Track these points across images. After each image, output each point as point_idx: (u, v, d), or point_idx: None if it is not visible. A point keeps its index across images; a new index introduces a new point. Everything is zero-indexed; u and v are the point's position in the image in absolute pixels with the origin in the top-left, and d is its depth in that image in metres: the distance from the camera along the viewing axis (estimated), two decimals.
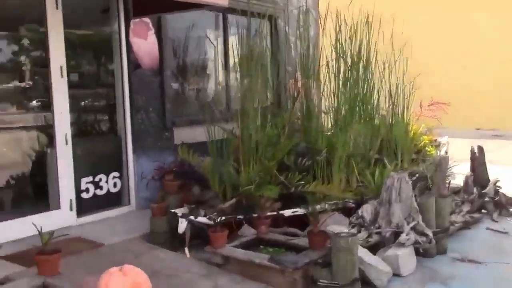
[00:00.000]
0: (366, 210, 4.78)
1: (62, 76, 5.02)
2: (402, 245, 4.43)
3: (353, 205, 5.36)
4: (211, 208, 4.64)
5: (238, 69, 5.62)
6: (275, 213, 4.86)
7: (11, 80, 5.39)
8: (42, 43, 4.96)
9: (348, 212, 5.39)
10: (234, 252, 4.18)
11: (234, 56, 5.45)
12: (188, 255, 4.51)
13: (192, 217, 4.53)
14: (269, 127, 5.25)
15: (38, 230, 3.74)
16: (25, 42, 4.98)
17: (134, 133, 5.76)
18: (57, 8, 4.95)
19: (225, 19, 7.00)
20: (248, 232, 4.68)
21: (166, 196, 4.97)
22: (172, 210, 4.70)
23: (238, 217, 4.69)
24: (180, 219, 4.53)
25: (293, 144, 5.27)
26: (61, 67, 5.01)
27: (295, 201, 5.12)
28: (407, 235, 4.49)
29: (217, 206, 4.63)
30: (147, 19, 5.87)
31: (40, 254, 3.68)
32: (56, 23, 4.95)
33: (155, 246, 4.63)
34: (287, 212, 4.97)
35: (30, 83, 5.48)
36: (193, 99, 6.77)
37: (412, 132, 6.60)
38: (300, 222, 4.99)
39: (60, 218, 5.05)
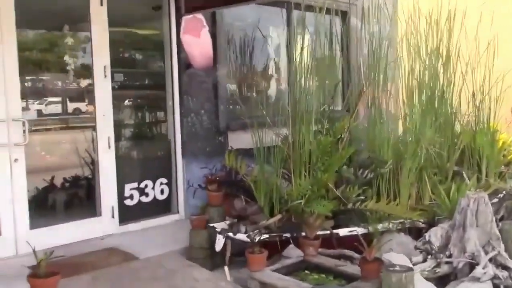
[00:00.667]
0: (435, 234, 4.05)
1: (105, 76, 4.76)
2: (477, 279, 3.66)
3: (423, 225, 4.64)
4: (253, 224, 4.15)
5: (302, 70, 5.07)
6: (327, 232, 4.27)
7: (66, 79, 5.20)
8: (85, 41, 4.73)
9: (417, 233, 4.69)
10: (271, 278, 3.65)
11: (298, 56, 4.90)
12: (228, 276, 4.05)
13: (230, 234, 4.06)
14: (324, 133, 4.66)
15: (32, 248, 3.34)
16: (69, 41, 4.76)
17: (183, 137, 5.40)
18: (101, 4, 4.70)
19: (288, 16, 6.46)
20: (293, 253, 4.13)
21: (208, 208, 4.54)
22: (212, 224, 4.26)
23: (284, 235, 4.15)
24: (218, 235, 4.08)
25: (353, 154, 4.64)
26: (104, 67, 4.74)
27: (354, 219, 4.50)
28: (484, 267, 3.71)
29: (260, 222, 4.12)
30: (200, 16, 5.49)
31: (35, 277, 3.23)
32: (100, 20, 4.70)
33: (192, 263, 4.21)
34: (342, 231, 4.36)
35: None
36: (250, 101, 6.30)
37: (501, 141, 5.69)
38: (359, 243, 4.36)
39: (101, 226, 4.80)
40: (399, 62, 5.45)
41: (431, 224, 4.64)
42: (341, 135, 4.77)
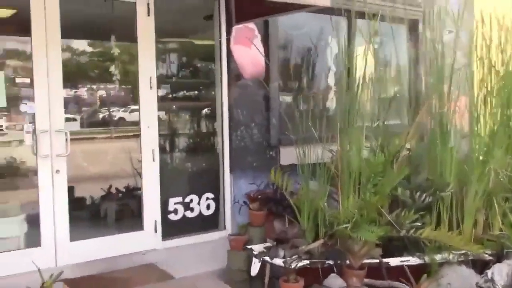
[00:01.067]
0: (500, 272, 3.55)
1: (151, 87, 4.66)
2: None
3: (490, 258, 4.11)
4: (293, 248, 3.84)
5: (359, 82, 4.70)
6: (376, 261, 3.87)
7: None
8: (132, 52, 4.67)
9: (483, 266, 4.17)
10: None
11: (357, 67, 4.56)
12: None
13: (267, 258, 3.78)
14: (378, 150, 4.26)
15: (37, 267, 3.23)
16: (116, 51, 4.71)
17: (232, 151, 5.20)
18: (148, 14, 4.61)
19: (349, 25, 6.09)
20: (335, 283, 3.77)
21: (249, 227, 4.28)
22: (249, 246, 4.00)
23: (327, 262, 3.81)
24: (253, 259, 3.81)
25: (410, 174, 4.20)
26: (150, 78, 4.65)
27: (407, 247, 4.07)
28: None
29: (301, 246, 3.81)
30: (252, 25, 5.28)
31: None
32: (146, 30, 4.61)
33: (228, 287, 3.97)
34: (394, 261, 3.94)
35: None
36: (305, 114, 6.00)
37: None
38: (413, 274, 3.92)
39: (143, 240, 4.68)
40: (470, 73, 4.92)
41: (500, 256, 4.11)
42: (397, 153, 4.34)
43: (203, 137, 5.44)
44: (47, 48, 4.12)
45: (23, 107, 4.06)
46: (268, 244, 4.01)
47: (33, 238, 4.24)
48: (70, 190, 4.32)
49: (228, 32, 5.15)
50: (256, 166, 5.30)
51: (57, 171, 4.20)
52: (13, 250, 4.18)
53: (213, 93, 5.21)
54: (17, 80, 4.03)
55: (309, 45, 5.89)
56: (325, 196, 4.08)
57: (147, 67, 4.64)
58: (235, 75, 5.21)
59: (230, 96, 5.19)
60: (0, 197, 4.47)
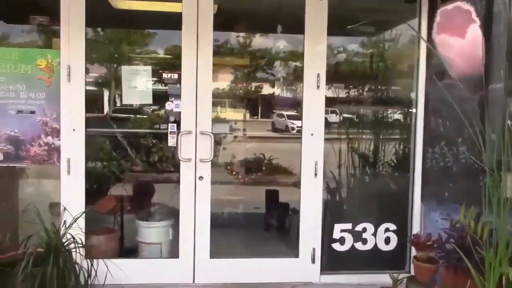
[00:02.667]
0: None
1: (318, 87, 3.84)
2: None
3: None
4: None
5: None
6: None
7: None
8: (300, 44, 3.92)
9: None
10: None
11: None
12: None
13: None
14: None
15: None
16: (281, 44, 4.04)
17: (426, 173, 3.96)
18: None
19: None
20: None
21: (410, 283, 3.07)
22: None
23: None
24: None
25: None
26: (318, 76, 3.83)
27: None
28: None
29: None
30: (467, 6, 3.91)
31: None
32: (317, 18, 3.81)
33: None
34: None
35: None
36: None
37: None
38: None
39: (296, 270, 3.92)
40: None
41: None
42: None
43: (386, 150, 4.33)
44: (198, 42, 3.72)
45: (168, 105, 3.75)
46: None
47: (173, 248, 3.94)
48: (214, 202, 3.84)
49: (431, 18, 3.94)
50: (460, 196, 3.92)
51: (200, 177, 3.77)
52: (153, 258, 3.95)
53: (404, 96, 4.06)
54: (164, 76, 3.74)
55: None
56: None
57: (315, 63, 3.84)
58: (436, 73, 3.93)
59: (427, 101, 3.97)
60: (150, 200, 4.32)
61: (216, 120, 4.11)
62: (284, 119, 6.74)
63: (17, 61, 3.63)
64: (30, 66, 3.64)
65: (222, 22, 4.02)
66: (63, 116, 3.65)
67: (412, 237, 3.45)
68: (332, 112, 4.77)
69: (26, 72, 3.64)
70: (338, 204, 4.18)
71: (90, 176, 4.49)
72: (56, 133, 3.68)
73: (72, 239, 3.26)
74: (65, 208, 3.53)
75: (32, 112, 3.66)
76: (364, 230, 4.03)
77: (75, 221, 3.34)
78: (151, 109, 5.21)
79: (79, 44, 3.63)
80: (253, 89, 5.50)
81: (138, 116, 5.51)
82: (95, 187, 4.58)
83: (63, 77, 3.63)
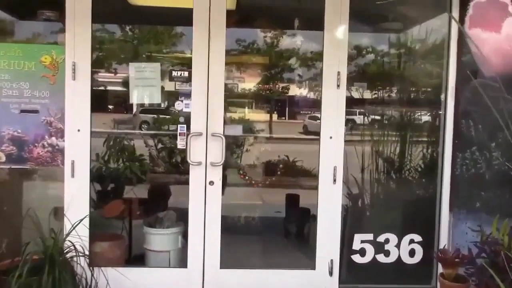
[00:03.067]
0: None
1: (338, 86, 3.56)
2: None
3: None
4: None
5: None
6: None
7: None
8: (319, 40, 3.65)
9: None
10: None
11: None
12: None
13: None
14: None
15: None
16: (298, 39, 3.78)
17: (455, 180, 3.65)
18: None
19: None
20: None
21: None
22: None
23: None
24: None
25: None
26: (338, 73, 3.56)
27: None
28: None
29: None
30: None
31: None
32: (336, 11, 3.54)
33: None
34: None
35: None
36: None
37: None
38: None
39: (313, 282, 3.65)
40: None
41: None
42: None
43: (412, 154, 4.02)
44: (209, 38, 3.48)
45: (178, 105, 3.53)
46: None
47: (182, 256, 3.72)
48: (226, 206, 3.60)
49: (463, 11, 3.62)
50: (494, 206, 3.59)
51: (211, 182, 3.54)
52: (161, 267, 3.74)
53: (432, 97, 3.75)
54: (174, 74, 3.52)
55: None
56: None
57: (334, 59, 3.56)
58: (469, 72, 3.62)
59: (457, 102, 3.66)
60: (159, 205, 4.12)
61: (235, 121, 3.88)
62: (318, 121, 6.49)
63: (21, 57, 3.46)
64: (34, 63, 3.47)
65: (239, 18, 3.80)
66: (67, 116, 3.47)
67: (438, 252, 3.13)
68: (360, 113, 4.53)
69: (30, 69, 3.47)
70: (359, 212, 3.91)
71: (104, 178, 4.36)
72: (61, 133, 3.49)
73: (72, 247, 3.08)
74: (64, 214, 3.35)
75: (36, 111, 3.49)
76: (387, 241, 3.74)
77: (74, 228, 3.15)
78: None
79: (85, 39, 3.44)
80: (279, 89, 5.29)
81: (162, 116, 5.35)
82: (108, 189, 4.44)
83: (68, 75, 3.45)
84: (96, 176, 4.01)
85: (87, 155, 3.51)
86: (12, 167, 3.53)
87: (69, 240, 3.12)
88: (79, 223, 3.20)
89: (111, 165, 4.33)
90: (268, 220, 5.35)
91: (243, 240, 4.04)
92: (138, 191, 4.63)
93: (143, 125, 6.72)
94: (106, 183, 4.27)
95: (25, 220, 3.36)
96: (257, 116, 5.87)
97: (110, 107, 6.98)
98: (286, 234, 5.05)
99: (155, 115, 5.87)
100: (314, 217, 3.74)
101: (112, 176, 4.28)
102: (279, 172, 5.75)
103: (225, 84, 3.58)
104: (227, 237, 3.64)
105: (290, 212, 5.25)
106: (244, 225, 4.86)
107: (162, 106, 4.72)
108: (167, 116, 4.94)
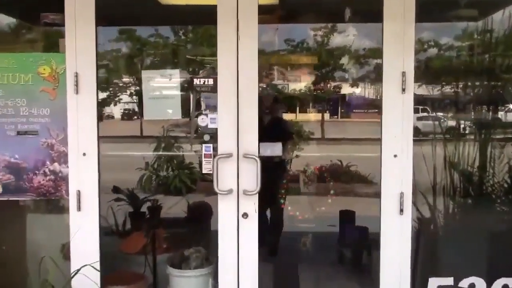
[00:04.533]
0: None
1: (403, 89, 2.78)
2: None
3: None
4: None
5: None
6: None
7: None
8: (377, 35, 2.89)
9: None
10: None
11: None
12: None
13: None
14: None
15: None
16: (350, 33, 3.02)
17: None
18: None
19: None
20: None
21: None
22: None
23: None
24: None
25: None
26: (403, 74, 2.78)
27: None
28: None
29: None
30: None
31: None
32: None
33: None
34: None
35: None
36: None
37: None
38: None
39: None
40: None
41: None
42: None
43: (496, 168, 3.17)
44: (238, 36, 2.80)
45: (201, 120, 2.87)
46: None
47: None
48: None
49: None
50: None
51: (244, 215, 2.85)
52: None
53: None
54: (195, 82, 2.86)
55: None
56: None
57: (397, 58, 2.79)
58: None
59: None
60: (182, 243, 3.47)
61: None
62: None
63: (16, 69, 2.91)
64: (31, 75, 2.91)
65: (284, 13, 3.12)
66: (70, 137, 2.88)
67: None
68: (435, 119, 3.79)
69: (26, 83, 2.91)
70: (433, 248, 3.11)
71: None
72: (64, 158, 2.92)
73: None
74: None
75: (35, 133, 2.93)
76: (473, 286, 2.92)
77: (75, 275, 2.55)
78: None
79: (89, 45, 2.85)
80: (331, 89, 4.63)
81: None
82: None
83: (69, 88, 2.86)
84: None
85: (95, 184, 2.91)
86: (10, 198, 2.98)
87: None
88: (77, 272, 2.58)
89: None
90: (320, 239, 4.70)
91: (284, 266, 3.37)
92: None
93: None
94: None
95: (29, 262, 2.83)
96: (307, 116, 5.33)
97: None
98: (340, 258, 4.46)
99: None
100: (374, 240, 3.00)
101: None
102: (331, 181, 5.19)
103: (275, 85, 2.89)
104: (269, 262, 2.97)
105: (344, 232, 4.61)
106: (286, 246, 4.25)
107: None
108: None
